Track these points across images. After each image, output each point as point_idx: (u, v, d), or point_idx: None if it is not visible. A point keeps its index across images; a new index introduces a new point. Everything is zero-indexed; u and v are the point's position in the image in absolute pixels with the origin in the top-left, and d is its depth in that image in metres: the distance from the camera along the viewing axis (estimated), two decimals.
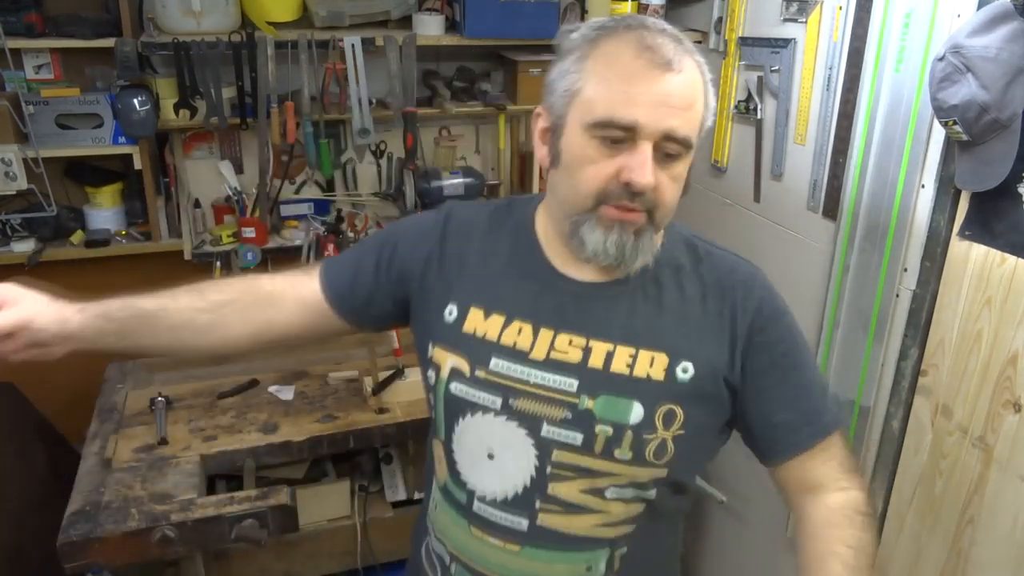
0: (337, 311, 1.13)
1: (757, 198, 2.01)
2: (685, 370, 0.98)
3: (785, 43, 1.84)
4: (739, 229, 2.08)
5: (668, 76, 0.87)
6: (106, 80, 2.03)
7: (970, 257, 1.42)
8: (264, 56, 1.98)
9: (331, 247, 2.23)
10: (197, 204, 2.25)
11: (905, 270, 1.56)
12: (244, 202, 2.23)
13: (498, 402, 0.99)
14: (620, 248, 0.93)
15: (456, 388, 1.01)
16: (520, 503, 1.00)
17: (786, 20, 1.84)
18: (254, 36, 1.97)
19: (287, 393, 2.03)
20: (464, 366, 1.01)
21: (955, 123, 1.29)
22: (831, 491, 1.04)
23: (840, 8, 1.67)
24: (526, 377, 0.98)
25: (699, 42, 2.21)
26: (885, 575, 1.70)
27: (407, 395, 2.00)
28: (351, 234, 2.26)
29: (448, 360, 1.02)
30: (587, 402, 0.96)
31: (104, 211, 2.15)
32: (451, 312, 1.04)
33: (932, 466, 1.55)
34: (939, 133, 1.44)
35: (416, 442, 2.03)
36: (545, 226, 1.05)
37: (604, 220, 0.93)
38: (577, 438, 0.97)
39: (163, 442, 1.80)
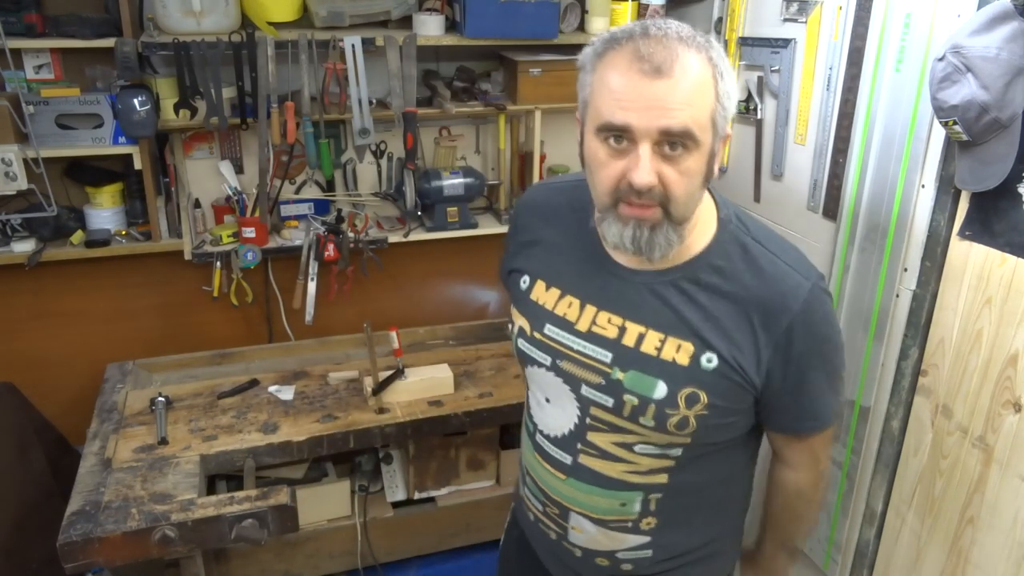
0: None
1: (757, 198, 2.01)
2: (710, 360, 1.07)
3: (785, 43, 1.84)
4: None
5: (659, 82, 0.93)
6: (106, 80, 2.03)
7: (970, 257, 1.42)
8: (264, 56, 1.98)
9: (331, 247, 2.23)
10: (197, 204, 2.25)
11: (905, 270, 1.56)
12: (244, 202, 2.23)
13: (548, 360, 1.16)
14: (636, 241, 1.01)
15: (522, 344, 1.21)
16: (566, 443, 1.18)
17: (786, 20, 1.84)
18: (254, 36, 1.97)
19: (287, 393, 2.03)
20: (527, 327, 1.19)
21: (955, 123, 1.29)
22: (789, 468, 1.25)
23: (840, 8, 1.67)
24: (571, 344, 1.14)
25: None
26: (886, 575, 1.70)
27: (407, 395, 2.00)
28: (351, 234, 2.26)
29: (519, 320, 1.21)
30: (618, 373, 1.09)
31: (104, 211, 2.15)
32: (525, 281, 1.22)
33: (932, 466, 1.55)
34: (939, 133, 1.44)
35: (416, 442, 2.03)
36: None
37: (622, 216, 1.01)
38: (609, 401, 1.11)
39: (163, 442, 1.80)
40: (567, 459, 1.18)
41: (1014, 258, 1.33)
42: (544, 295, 1.18)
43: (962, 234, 1.43)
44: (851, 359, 1.70)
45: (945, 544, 1.53)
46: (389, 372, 2.01)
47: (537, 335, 1.17)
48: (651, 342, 1.08)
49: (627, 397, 1.09)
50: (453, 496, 2.14)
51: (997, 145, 1.29)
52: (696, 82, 0.95)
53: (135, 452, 1.77)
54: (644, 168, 0.95)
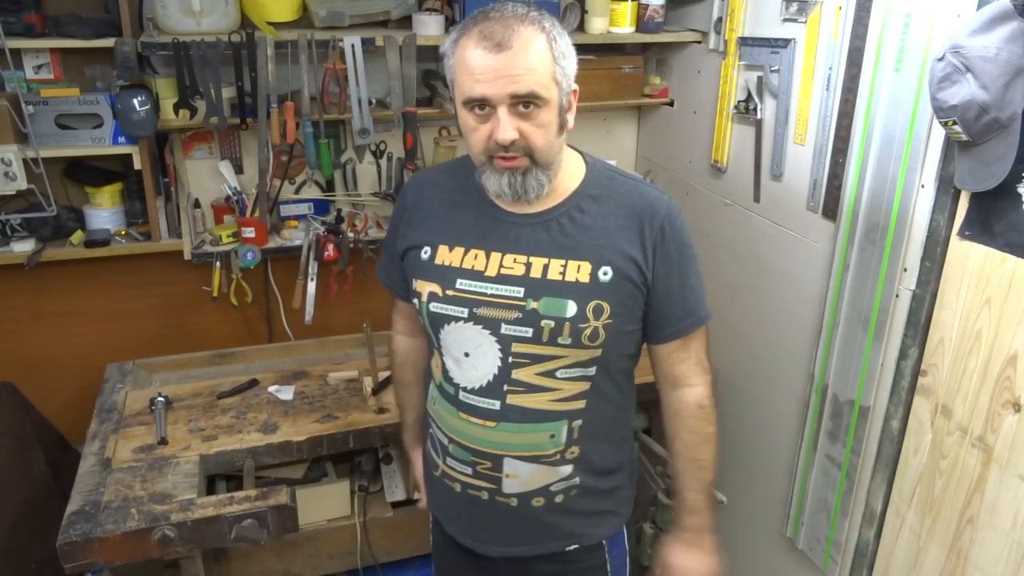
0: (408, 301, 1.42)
1: (757, 198, 2.01)
2: (605, 273, 1.25)
3: (785, 43, 1.84)
4: (739, 229, 2.08)
5: (502, 55, 1.12)
6: (106, 80, 2.03)
7: (970, 257, 1.42)
8: (264, 56, 1.98)
9: (331, 247, 2.23)
10: (197, 204, 2.25)
11: (905, 270, 1.56)
12: (244, 202, 2.23)
13: (465, 312, 1.28)
14: (512, 187, 1.22)
15: (434, 307, 1.31)
16: (491, 389, 1.29)
17: (786, 20, 1.84)
18: (254, 36, 1.97)
19: (287, 393, 2.03)
20: (439, 289, 1.30)
21: (955, 123, 1.29)
22: (684, 387, 1.38)
23: (840, 8, 1.67)
24: (484, 290, 1.27)
25: (698, 42, 2.22)
26: (885, 575, 1.70)
27: None
28: (351, 234, 2.26)
29: (426, 287, 1.32)
30: (532, 304, 1.25)
31: (104, 211, 2.15)
32: (426, 252, 1.34)
33: (932, 466, 1.55)
34: (939, 133, 1.44)
35: None
36: None
37: (497, 168, 1.21)
38: (528, 332, 1.25)
39: (163, 442, 1.80)
40: (495, 404, 1.29)
41: (1014, 258, 1.33)
42: (449, 255, 1.31)
43: (962, 234, 1.43)
44: (851, 359, 1.71)
45: (945, 544, 1.53)
46: (389, 372, 2.01)
47: (450, 292, 1.29)
48: (555, 269, 1.25)
49: (544, 323, 1.24)
50: None
51: (997, 145, 1.29)
52: (533, 50, 1.13)
53: (135, 452, 1.77)
54: (503, 127, 1.15)
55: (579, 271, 1.25)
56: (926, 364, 1.54)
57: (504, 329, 1.26)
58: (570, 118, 1.23)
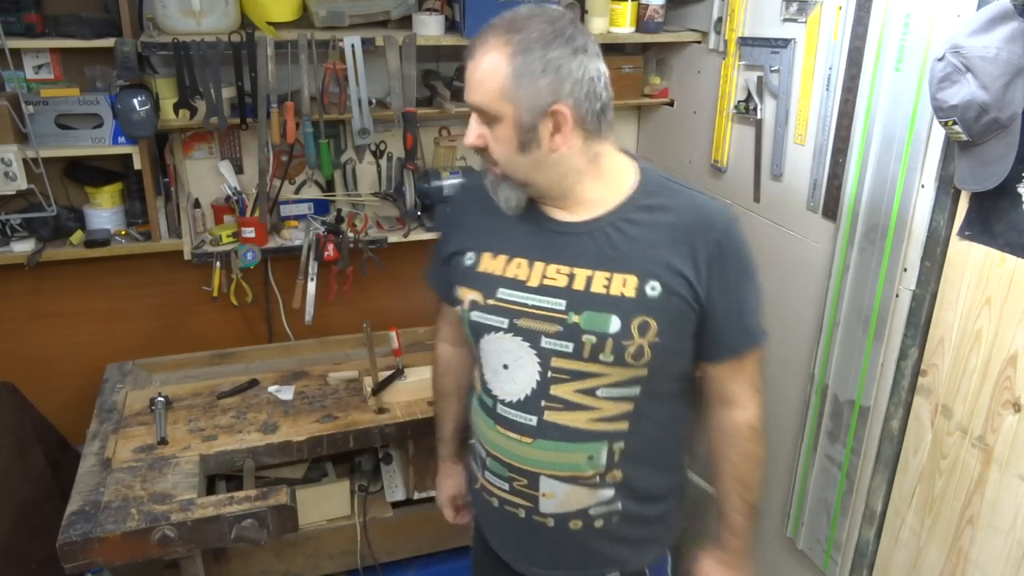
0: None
1: (757, 198, 2.01)
2: (653, 288, 1.17)
3: (785, 43, 1.84)
4: None
5: (471, 64, 1.13)
6: (106, 80, 2.03)
7: (970, 257, 1.42)
8: (264, 56, 1.98)
9: (331, 247, 2.23)
10: (197, 204, 2.25)
11: (905, 270, 1.56)
12: (244, 202, 2.23)
13: (506, 322, 1.23)
14: (493, 192, 1.22)
15: (475, 315, 1.27)
16: (529, 404, 1.24)
17: (786, 20, 1.84)
18: (254, 36, 1.96)
19: (287, 393, 2.03)
20: (480, 297, 1.26)
21: (955, 123, 1.29)
22: (736, 408, 1.29)
23: (840, 8, 1.67)
24: (525, 300, 1.22)
25: (698, 42, 2.22)
26: (885, 575, 1.70)
27: (407, 395, 2.00)
28: (351, 234, 2.26)
29: (468, 295, 1.28)
30: (574, 317, 1.19)
31: (104, 211, 2.15)
32: (470, 258, 1.30)
33: (932, 466, 1.55)
34: (939, 133, 1.44)
35: (416, 442, 2.03)
36: None
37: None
38: (569, 346, 1.19)
39: (163, 442, 1.80)
40: (532, 420, 1.24)
41: (1014, 258, 1.33)
42: (492, 263, 1.26)
43: (962, 234, 1.43)
44: (851, 359, 1.71)
45: (945, 544, 1.53)
46: (389, 372, 2.01)
47: (491, 301, 1.25)
48: (599, 282, 1.18)
49: (585, 338, 1.18)
50: None
51: (997, 145, 1.29)
52: (486, 63, 1.11)
53: (135, 452, 1.77)
54: (468, 132, 1.17)
55: (625, 285, 1.17)
56: (926, 364, 1.54)
57: (544, 342, 1.21)
58: (555, 139, 1.13)
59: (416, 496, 2.11)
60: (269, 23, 2.00)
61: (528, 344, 1.22)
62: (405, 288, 2.56)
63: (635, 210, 1.21)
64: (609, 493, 1.27)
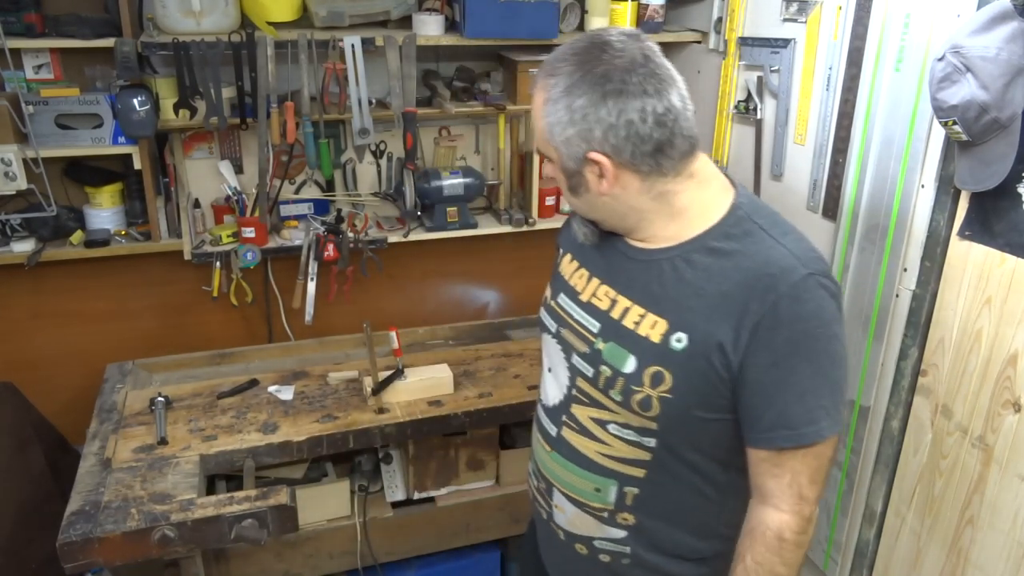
0: None
1: None
2: (679, 340, 1.07)
3: (785, 43, 1.84)
4: None
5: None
6: (106, 80, 2.03)
7: (970, 257, 1.42)
8: (264, 56, 1.98)
9: (331, 247, 2.23)
10: (197, 204, 2.25)
11: (905, 270, 1.56)
12: (244, 202, 2.23)
13: (555, 328, 1.24)
14: (575, 221, 1.24)
15: (542, 311, 1.30)
16: (555, 413, 1.24)
17: (786, 20, 1.84)
18: (254, 36, 1.97)
19: (287, 393, 2.03)
20: (548, 295, 1.29)
21: (955, 123, 1.29)
22: (769, 506, 1.10)
23: (840, 8, 1.67)
24: (571, 312, 1.21)
25: (698, 42, 2.22)
26: (885, 575, 1.70)
27: (407, 395, 2.00)
28: (351, 234, 2.26)
29: (548, 289, 1.31)
30: (600, 343, 1.15)
31: (104, 211, 2.15)
32: (560, 255, 1.32)
33: (932, 466, 1.55)
34: (939, 133, 1.44)
35: (416, 442, 2.03)
36: None
37: None
38: (590, 371, 1.16)
39: (163, 442, 1.80)
40: (553, 431, 1.24)
41: (1014, 258, 1.33)
42: (567, 267, 1.26)
43: (962, 234, 1.43)
44: (851, 359, 1.70)
45: (945, 544, 1.53)
46: (389, 372, 2.01)
47: (551, 303, 1.27)
48: (632, 316, 1.12)
49: (603, 367, 1.13)
50: (453, 496, 2.14)
51: (997, 145, 1.29)
52: (534, 110, 1.11)
53: (135, 452, 1.77)
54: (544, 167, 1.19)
55: (653, 327, 1.09)
56: (926, 364, 1.54)
57: (574, 359, 1.19)
58: (602, 184, 1.07)
59: (416, 496, 2.11)
60: (269, 23, 2.00)
61: (564, 356, 1.21)
62: (405, 288, 2.56)
63: (700, 251, 1.09)
64: (620, 534, 1.20)
